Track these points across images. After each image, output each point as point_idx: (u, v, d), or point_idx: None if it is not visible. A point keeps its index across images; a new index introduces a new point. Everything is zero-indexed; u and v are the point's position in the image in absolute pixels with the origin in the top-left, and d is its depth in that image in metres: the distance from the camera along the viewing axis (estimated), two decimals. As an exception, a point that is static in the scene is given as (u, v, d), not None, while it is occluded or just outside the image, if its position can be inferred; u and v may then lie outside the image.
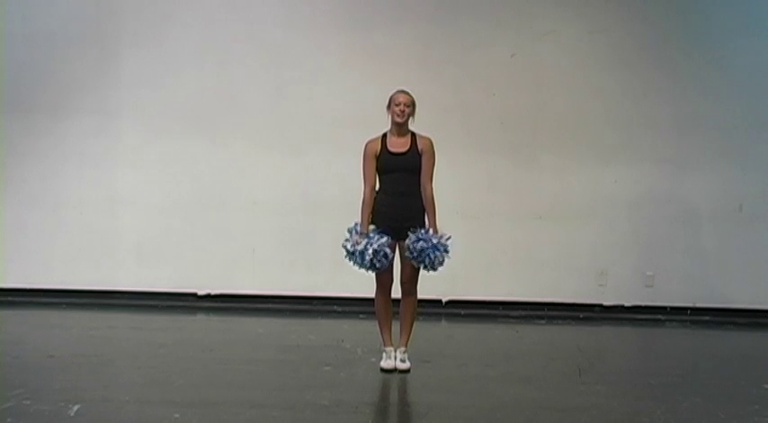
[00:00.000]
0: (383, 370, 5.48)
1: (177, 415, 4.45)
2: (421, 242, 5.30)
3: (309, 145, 7.84)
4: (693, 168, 7.83)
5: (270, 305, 7.87)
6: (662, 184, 7.84)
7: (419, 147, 5.42)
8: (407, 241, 5.34)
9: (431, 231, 5.37)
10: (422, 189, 5.41)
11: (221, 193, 7.91)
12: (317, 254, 7.80)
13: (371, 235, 5.34)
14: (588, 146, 7.85)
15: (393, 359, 5.51)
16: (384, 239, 5.31)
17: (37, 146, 7.96)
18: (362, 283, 7.11)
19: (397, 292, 5.59)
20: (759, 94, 7.79)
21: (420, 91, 7.06)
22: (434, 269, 5.38)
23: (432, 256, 5.30)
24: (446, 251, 5.35)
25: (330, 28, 7.89)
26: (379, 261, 5.29)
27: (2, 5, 7.91)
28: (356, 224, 5.43)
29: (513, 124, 7.85)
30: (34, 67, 7.93)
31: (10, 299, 7.84)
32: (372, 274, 5.45)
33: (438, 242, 5.32)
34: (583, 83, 7.85)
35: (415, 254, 5.31)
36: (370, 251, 5.25)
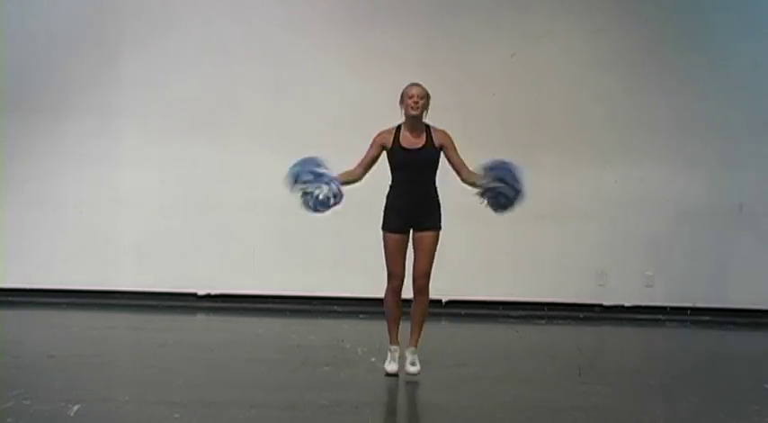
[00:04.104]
0: (388, 374, 5.31)
1: (177, 415, 4.45)
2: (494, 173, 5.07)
3: (309, 145, 7.72)
4: (693, 168, 7.83)
5: (270, 305, 7.87)
6: (662, 184, 7.84)
7: (436, 142, 5.23)
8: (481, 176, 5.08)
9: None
10: (464, 180, 5.19)
11: (221, 193, 7.91)
12: (317, 254, 7.80)
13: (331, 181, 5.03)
14: (588, 146, 7.86)
15: (397, 362, 5.38)
16: (334, 188, 5.01)
17: (37, 146, 7.95)
18: (362, 283, 7.12)
19: (407, 292, 5.52)
20: (759, 95, 7.81)
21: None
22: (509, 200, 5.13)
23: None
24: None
25: (330, 28, 7.89)
26: (317, 197, 5.00)
27: (2, 5, 7.90)
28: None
29: (513, 124, 7.85)
30: (34, 68, 7.94)
31: (10, 299, 7.83)
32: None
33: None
34: (583, 83, 7.86)
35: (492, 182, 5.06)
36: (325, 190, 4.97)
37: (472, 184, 5.22)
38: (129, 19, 7.91)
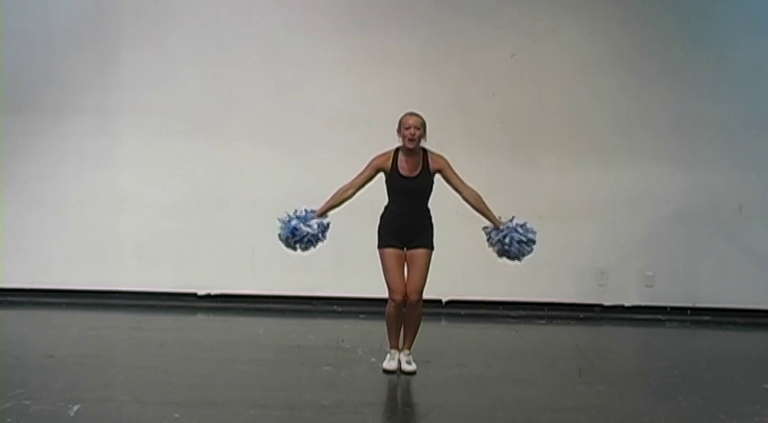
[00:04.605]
0: (385, 371, 5.46)
1: (177, 415, 4.45)
2: (507, 237, 5.40)
3: (309, 145, 7.84)
4: (693, 168, 7.83)
5: (270, 305, 7.87)
6: (662, 184, 7.84)
7: (431, 168, 5.36)
8: (492, 234, 5.45)
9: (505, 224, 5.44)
10: (465, 198, 5.39)
11: (221, 193, 7.91)
12: (317, 254, 7.73)
13: (316, 220, 5.39)
14: (588, 146, 7.86)
15: (396, 361, 5.49)
16: (318, 232, 5.43)
17: (37, 146, 7.96)
18: (362, 283, 7.11)
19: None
20: (759, 94, 7.80)
21: (420, 91, 7.09)
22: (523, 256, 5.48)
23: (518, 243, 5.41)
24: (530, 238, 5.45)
25: (330, 28, 7.89)
26: (302, 244, 5.48)
27: (1, 5, 7.90)
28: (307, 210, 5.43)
29: (513, 124, 7.85)
30: (34, 67, 7.93)
31: (10, 299, 7.83)
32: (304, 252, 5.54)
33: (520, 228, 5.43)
34: (583, 83, 7.86)
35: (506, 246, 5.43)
36: (303, 231, 5.38)
37: (481, 214, 5.45)
38: (129, 19, 7.91)
